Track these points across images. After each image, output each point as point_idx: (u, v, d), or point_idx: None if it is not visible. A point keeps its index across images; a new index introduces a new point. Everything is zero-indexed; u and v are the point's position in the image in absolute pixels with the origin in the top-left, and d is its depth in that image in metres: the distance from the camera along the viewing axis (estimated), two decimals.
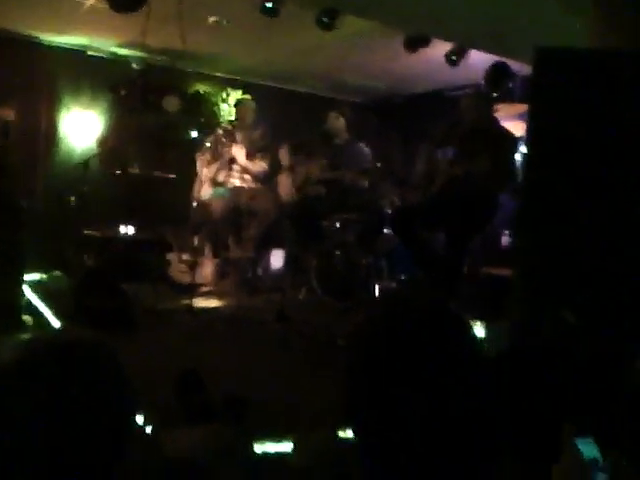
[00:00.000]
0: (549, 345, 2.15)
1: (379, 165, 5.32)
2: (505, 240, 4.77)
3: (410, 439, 0.89)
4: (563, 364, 1.69)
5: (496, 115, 4.63)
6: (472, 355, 0.93)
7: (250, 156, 5.71)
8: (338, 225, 4.97)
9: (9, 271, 4.11)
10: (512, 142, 4.30)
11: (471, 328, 0.97)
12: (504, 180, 4.13)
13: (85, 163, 5.12)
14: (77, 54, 6.06)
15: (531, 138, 2.97)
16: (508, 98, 5.21)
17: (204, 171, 5.70)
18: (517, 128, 4.77)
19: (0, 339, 0.92)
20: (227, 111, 6.68)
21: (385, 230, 5.13)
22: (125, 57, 6.20)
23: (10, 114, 5.67)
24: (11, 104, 5.73)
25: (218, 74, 6.82)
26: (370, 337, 0.97)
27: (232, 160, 5.66)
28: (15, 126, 5.73)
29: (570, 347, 2.02)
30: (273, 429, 2.53)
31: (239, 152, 5.65)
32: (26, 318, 4.06)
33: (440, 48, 4.74)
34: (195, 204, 5.60)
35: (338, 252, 4.80)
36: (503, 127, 4.48)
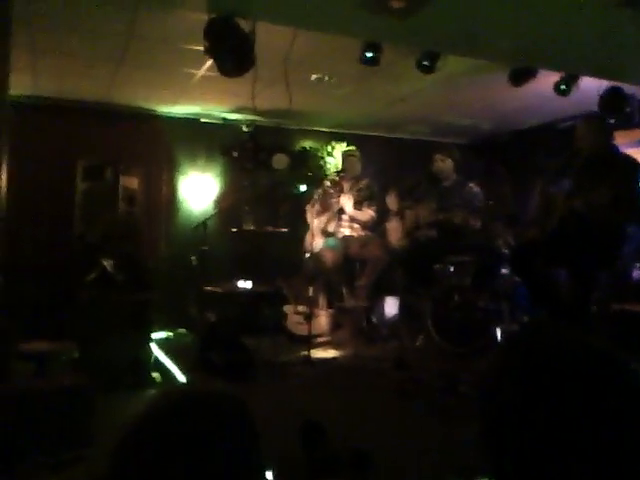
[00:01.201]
0: None
1: (491, 204, 5.16)
2: (637, 274, 4.42)
3: None
4: None
5: (614, 143, 4.37)
6: (630, 397, 0.84)
7: (358, 205, 5.77)
8: (452, 268, 4.84)
9: (139, 330, 4.35)
10: (635, 168, 4.02)
11: (626, 365, 0.87)
12: (629, 210, 3.85)
13: (203, 223, 5.37)
14: (192, 122, 6.48)
15: None
16: (626, 124, 4.93)
17: (315, 222, 5.82)
18: (638, 155, 4.48)
19: (134, 395, 0.95)
20: (333, 164, 6.82)
21: (504, 270, 4.93)
22: (235, 121, 6.54)
23: (134, 182, 6.11)
24: (135, 173, 6.19)
25: (323, 129, 7.01)
26: (511, 382, 0.90)
27: (341, 210, 5.74)
28: (139, 193, 6.16)
29: None
30: None
31: (347, 202, 5.72)
32: (155, 375, 4.24)
33: (548, 79, 4.58)
34: (308, 255, 5.70)
35: (454, 296, 4.66)
36: (624, 154, 4.22)
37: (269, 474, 2.19)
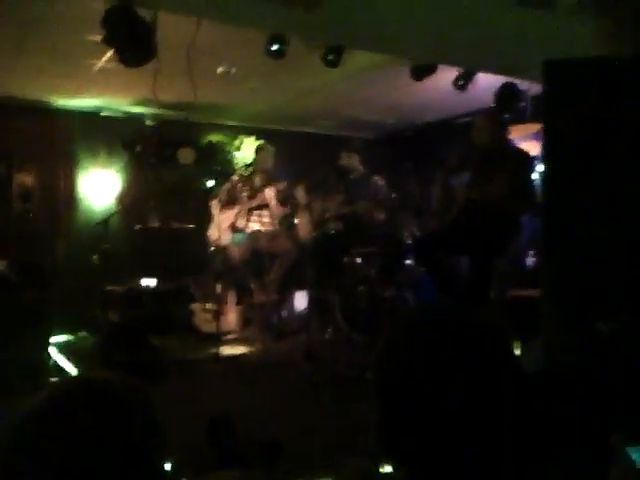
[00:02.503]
0: (586, 358, 2.06)
1: (394, 196, 5.30)
2: (530, 261, 4.66)
3: (451, 464, 0.83)
4: (603, 375, 1.60)
5: (509, 137, 4.59)
6: (510, 367, 0.87)
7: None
8: (359, 260, 4.92)
9: (35, 333, 4.12)
10: (528, 161, 4.25)
11: (506, 336, 0.91)
12: (523, 201, 4.06)
13: (105, 221, 5.17)
14: (91, 116, 6.20)
15: (547, 151, 2.91)
16: (519, 119, 5.18)
17: (221, 217, 5.71)
18: (531, 148, 4.72)
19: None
20: (241, 158, 6.74)
21: (408, 261, 5.07)
22: (138, 114, 6.32)
23: (29, 179, 5.77)
24: (30, 169, 5.85)
25: (230, 123, 6.91)
26: (398, 360, 0.91)
27: (260, 206, 5.67)
28: (35, 190, 5.83)
29: (607, 357, 1.92)
30: (308, 471, 2.45)
31: (272, 196, 5.64)
32: (54, 380, 4.04)
33: (447, 75, 4.74)
34: (212, 249, 5.60)
35: (361, 287, 4.74)
36: (517, 147, 4.44)
37: (172, 466, 2.15)
